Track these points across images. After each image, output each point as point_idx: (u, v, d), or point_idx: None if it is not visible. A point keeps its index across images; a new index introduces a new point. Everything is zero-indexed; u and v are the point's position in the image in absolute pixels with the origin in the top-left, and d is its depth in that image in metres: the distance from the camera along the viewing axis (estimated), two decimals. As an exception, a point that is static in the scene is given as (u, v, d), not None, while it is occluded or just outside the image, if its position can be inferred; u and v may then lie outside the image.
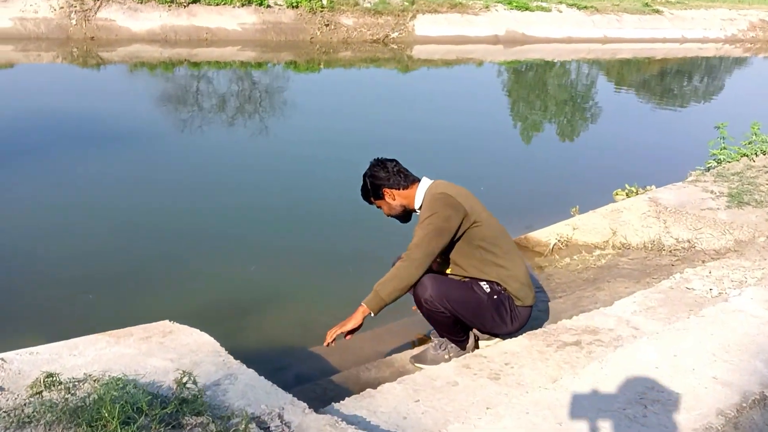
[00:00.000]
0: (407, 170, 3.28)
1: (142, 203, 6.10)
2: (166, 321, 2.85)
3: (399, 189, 3.22)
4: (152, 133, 8.57)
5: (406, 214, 3.31)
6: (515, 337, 3.19)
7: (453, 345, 3.27)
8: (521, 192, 8.02)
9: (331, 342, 2.97)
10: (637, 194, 5.58)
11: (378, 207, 3.34)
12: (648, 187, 5.65)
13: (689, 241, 4.75)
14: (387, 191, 3.22)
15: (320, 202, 6.49)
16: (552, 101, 13.62)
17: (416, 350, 3.50)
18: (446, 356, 3.30)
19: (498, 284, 3.15)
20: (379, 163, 3.24)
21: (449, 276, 3.24)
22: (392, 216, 3.33)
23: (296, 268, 5.08)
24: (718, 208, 4.94)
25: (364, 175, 3.28)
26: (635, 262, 4.77)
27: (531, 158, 9.51)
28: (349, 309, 3.06)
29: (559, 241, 5.51)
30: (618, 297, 4.07)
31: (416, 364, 3.31)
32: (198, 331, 2.79)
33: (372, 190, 3.25)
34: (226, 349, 2.68)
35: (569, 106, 13.41)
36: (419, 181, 3.27)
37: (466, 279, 3.16)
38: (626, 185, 5.79)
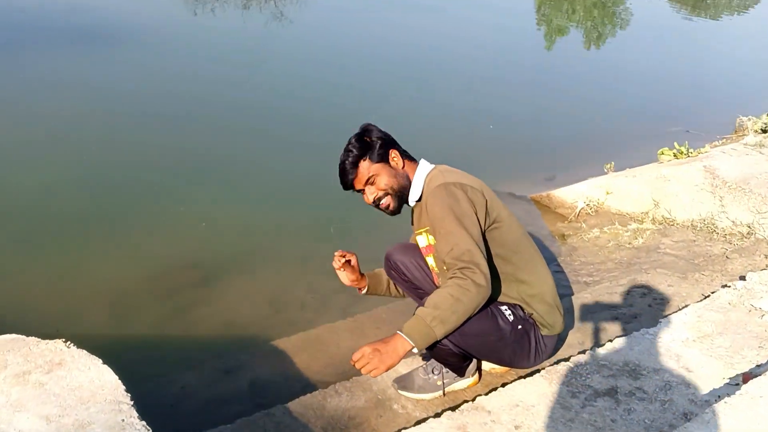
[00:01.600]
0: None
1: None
2: (59, 342, 2.11)
3: (405, 159, 2.40)
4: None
5: (404, 196, 2.41)
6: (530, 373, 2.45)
7: (448, 370, 2.54)
8: (542, 133, 7.06)
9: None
10: (688, 155, 4.67)
11: (368, 183, 2.37)
12: (702, 149, 4.74)
13: (749, 227, 3.91)
14: (393, 151, 2.36)
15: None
16: (583, 12, 12.09)
17: (402, 367, 2.76)
18: (438, 382, 2.58)
19: (522, 308, 2.37)
20: (369, 125, 2.40)
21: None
22: (382, 198, 2.38)
23: (266, 221, 4.32)
24: (790, 187, 4.06)
25: (352, 137, 2.36)
26: (680, 246, 3.95)
27: (555, 90, 8.42)
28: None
29: (587, 205, 4.68)
30: (660, 300, 3.30)
31: (400, 392, 2.59)
32: (99, 363, 2.06)
33: (371, 148, 2.31)
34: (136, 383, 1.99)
35: (603, 18, 11.98)
36: (417, 162, 2.43)
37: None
38: (675, 144, 4.87)
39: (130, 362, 2.99)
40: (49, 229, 3.88)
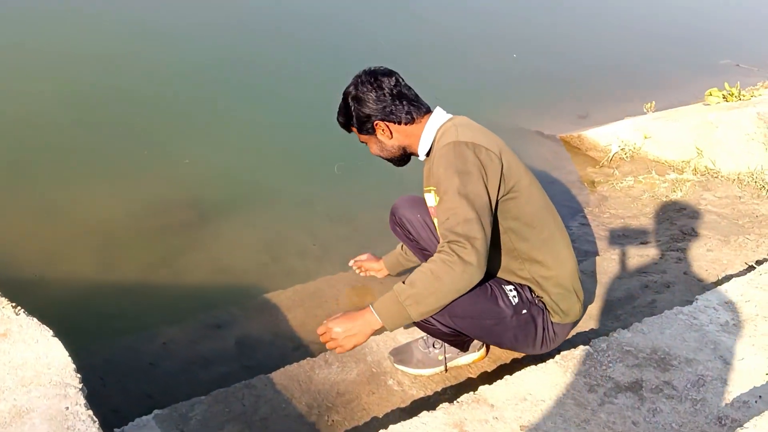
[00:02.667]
0: (416, 94, 2.07)
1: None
2: (8, 307, 1.86)
3: (399, 123, 2.03)
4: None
5: (403, 158, 2.16)
6: (543, 358, 2.16)
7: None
8: (574, 64, 6.50)
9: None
10: (740, 98, 4.18)
11: (362, 142, 2.18)
12: (755, 91, 4.24)
13: (805, 184, 3.49)
14: (380, 124, 2.05)
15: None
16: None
17: (401, 335, 2.50)
18: (439, 357, 2.32)
19: (531, 290, 2.05)
20: (371, 79, 2.03)
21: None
22: (382, 157, 2.18)
23: (266, 159, 4.00)
24: None
25: (345, 94, 2.09)
26: (724, 202, 3.56)
27: (590, 15, 7.73)
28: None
29: (622, 149, 4.26)
30: (697, 267, 2.97)
31: (397, 366, 2.33)
32: (49, 335, 1.80)
33: (357, 121, 2.07)
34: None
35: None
36: (430, 112, 2.07)
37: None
38: (726, 84, 4.36)
39: (111, 314, 2.80)
40: (31, 163, 3.61)
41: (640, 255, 3.13)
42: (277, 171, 3.90)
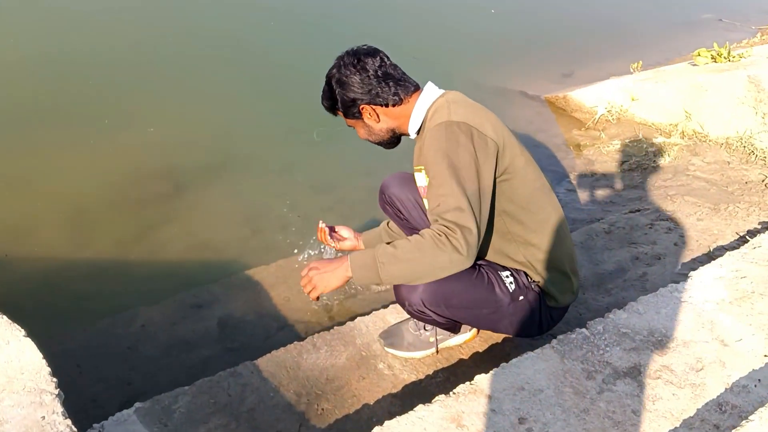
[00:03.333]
0: (402, 72, 1.93)
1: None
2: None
3: (386, 105, 1.90)
4: None
5: (393, 140, 2.04)
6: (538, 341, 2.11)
7: (441, 327, 2.20)
8: (557, 19, 6.32)
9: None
10: (729, 60, 4.08)
11: (349, 126, 2.05)
12: (745, 52, 4.14)
13: (794, 149, 3.45)
14: (366, 108, 1.91)
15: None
16: None
17: (391, 316, 2.42)
18: (431, 338, 2.25)
19: (527, 275, 1.97)
20: (354, 61, 1.89)
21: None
22: (370, 141, 2.06)
23: (243, 125, 3.84)
24: None
25: (328, 77, 1.95)
26: (712, 168, 3.51)
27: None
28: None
29: (609, 111, 4.17)
30: (687, 238, 2.92)
31: (387, 349, 2.26)
32: (20, 336, 1.69)
33: (342, 105, 1.94)
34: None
35: None
36: (419, 89, 1.93)
37: (479, 264, 1.97)
38: (715, 45, 4.25)
39: (85, 294, 2.67)
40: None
41: (629, 224, 3.07)
42: (254, 137, 3.75)
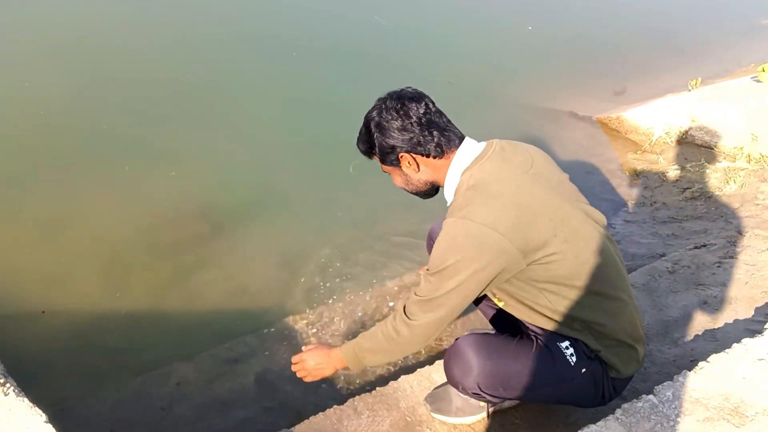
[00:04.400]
0: (448, 120, 1.77)
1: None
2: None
3: (428, 156, 1.74)
4: None
5: (431, 192, 1.89)
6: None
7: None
8: (602, 34, 6.01)
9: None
10: (797, 75, 3.80)
11: (385, 172, 1.90)
12: (815, 65, 3.83)
13: None
14: (406, 157, 1.76)
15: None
16: None
17: (436, 375, 2.25)
18: (481, 402, 2.07)
19: (587, 346, 1.77)
20: (397, 105, 1.73)
21: (501, 312, 1.91)
22: (406, 190, 1.91)
23: (277, 162, 3.72)
24: None
25: (367, 120, 1.80)
26: (784, 196, 3.23)
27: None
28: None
29: (666, 133, 3.92)
30: (760, 278, 2.67)
31: (434, 414, 2.09)
32: (41, 421, 1.57)
33: (379, 150, 1.79)
34: None
35: None
36: (461, 142, 1.77)
37: (535, 332, 1.79)
38: (782, 59, 3.97)
39: (120, 348, 2.58)
40: (24, 173, 3.36)
41: (695, 262, 2.83)
42: (290, 173, 3.63)
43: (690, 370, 2.02)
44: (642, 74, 5.15)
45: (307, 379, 1.98)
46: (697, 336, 2.46)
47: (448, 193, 1.77)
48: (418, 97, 1.74)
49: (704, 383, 1.95)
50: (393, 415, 2.12)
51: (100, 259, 2.93)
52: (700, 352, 2.37)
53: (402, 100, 1.73)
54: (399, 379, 2.25)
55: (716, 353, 2.08)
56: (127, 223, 3.12)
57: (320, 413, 2.12)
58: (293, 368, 2.01)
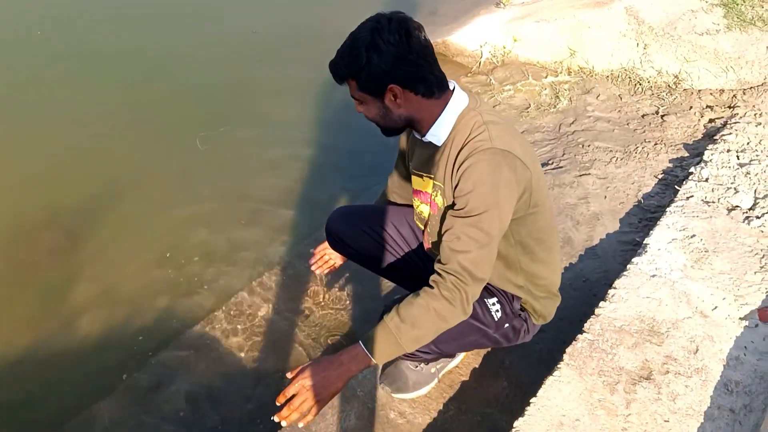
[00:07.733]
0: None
1: None
2: None
3: (416, 93, 1.60)
4: None
5: (401, 129, 1.74)
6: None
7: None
8: None
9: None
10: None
11: (353, 97, 1.67)
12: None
13: (676, 77, 3.64)
14: (394, 89, 1.58)
15: None
16: None
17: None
18: (432, 369, 2.18)
19: (519, 298, 1.90)
20: (399, 28, 1.52)
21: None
22: (372, 120, 1.71)
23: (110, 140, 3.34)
24: (717, 31, 3.75)
25: (357, 39, 1.55)
26: (608, 105, 3.63)
27: None
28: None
29: (492, 54, 4.13)
30: (614, 189, 3.03)
31: (395, 395, 2.15)
32: None
33: (366, 76, 1.57)
34: None
35: None
36: (451, 91, 1.66)
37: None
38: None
39: (13, 407, 2.25)
40: None
41: (556, 182, 3.12)
42: (137, 155, 3.26)
43: (593, 296, 2.30)
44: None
45: (314, 412, 1.56)
46: (581, 255, 2.76)
47: (438, 132, 1.66)
48: (419, 26, 1.56)
49: (620, 310, 2.23)
50: (354, 405, 2.14)
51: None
52: (588, 271, 2.67)
53: (406, 25, 1.52)
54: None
55: (616, 277, 2.36)
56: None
57: (285, 427, 2.07)
58: (287, 410, 1.55)
